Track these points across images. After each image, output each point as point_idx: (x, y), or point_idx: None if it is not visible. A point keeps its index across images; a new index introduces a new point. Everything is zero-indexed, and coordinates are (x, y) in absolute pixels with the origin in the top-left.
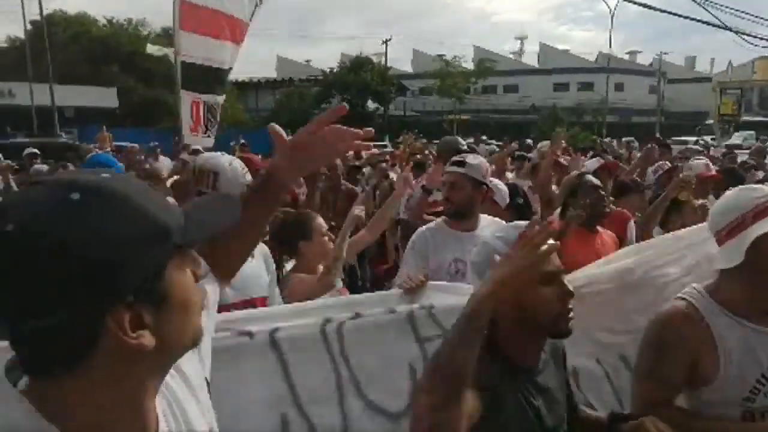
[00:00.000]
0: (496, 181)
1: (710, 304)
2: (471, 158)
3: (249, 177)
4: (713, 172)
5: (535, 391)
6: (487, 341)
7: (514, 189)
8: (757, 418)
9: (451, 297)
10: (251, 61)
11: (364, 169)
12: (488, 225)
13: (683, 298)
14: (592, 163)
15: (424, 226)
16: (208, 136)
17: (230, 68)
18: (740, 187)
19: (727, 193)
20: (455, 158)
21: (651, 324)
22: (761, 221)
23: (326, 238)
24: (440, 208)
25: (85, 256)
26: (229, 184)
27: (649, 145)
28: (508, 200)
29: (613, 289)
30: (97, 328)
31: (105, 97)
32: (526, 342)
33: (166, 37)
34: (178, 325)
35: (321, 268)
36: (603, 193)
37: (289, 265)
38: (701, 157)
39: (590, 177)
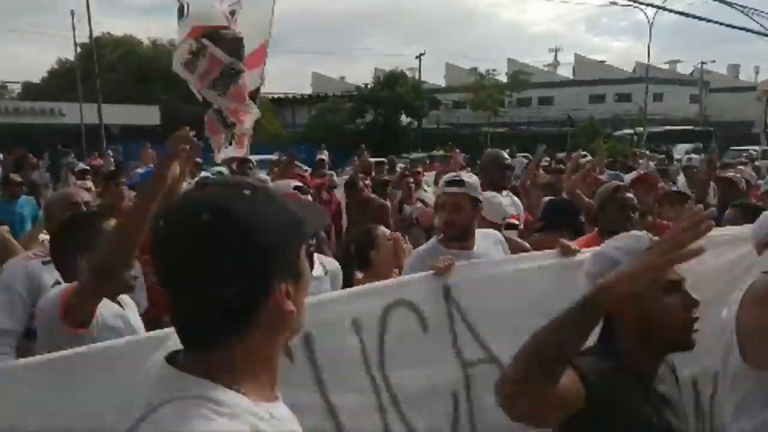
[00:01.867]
0: (489, 194)
1: None
2: (466, 176)
3: None
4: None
5: (660, 401)
6: (616, 359)
7: (572, 208)
8: None
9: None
10: (288, 78)
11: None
12: (483, 239)
13: None
14: (630, 175)
15: (419, 248)
16: (231, 145)
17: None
18: None
19: None
20: (452, 177)
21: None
22: None
23: (391, 241)
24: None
25: (262, 239)
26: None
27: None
28: (503, 215)
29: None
30: (266, 296)
31: (148, 115)
32: (646, 353)
33: None
34: (304, 297)
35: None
36: (631, 209)
37: None
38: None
39: (623, 193)
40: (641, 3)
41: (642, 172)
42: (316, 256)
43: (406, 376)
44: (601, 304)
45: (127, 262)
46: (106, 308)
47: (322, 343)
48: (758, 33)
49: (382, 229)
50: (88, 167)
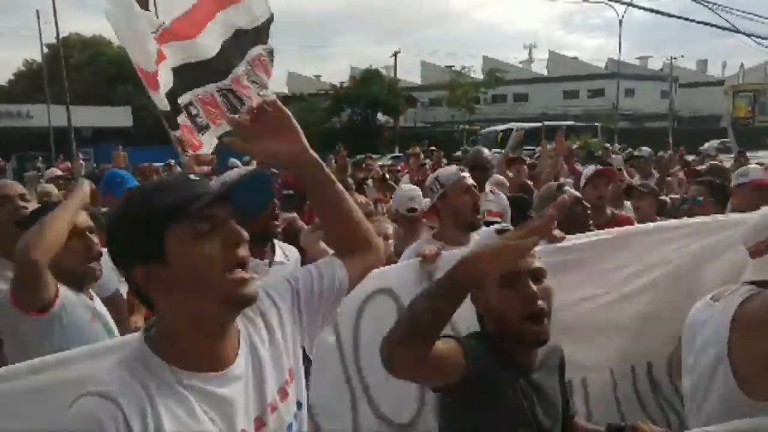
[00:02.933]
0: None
1: None
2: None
3: None
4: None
5: (531, 388)
6: (490, 343)
7: (524, 202)
8: None
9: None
10: None
11: (368, 181)
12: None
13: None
14: (589, 169)
15: (414, 243)
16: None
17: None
18: None
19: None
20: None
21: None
22: None
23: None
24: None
25: (117, 231)
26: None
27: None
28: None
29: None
30: (132, 282)
31: (120, 117)
32: (508, 340)
33: None
34: (190, 280)
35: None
36: (586, 204)
37: None
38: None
39: (569, 189)
40: (611, 0)
41: (600, 166)
42: (278, 243)
43: (377, 361)
44: (456, 277)
45: (45, 251)
46: (72, 298)
47: None
48: (724, 29)
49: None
50: (60, 173)
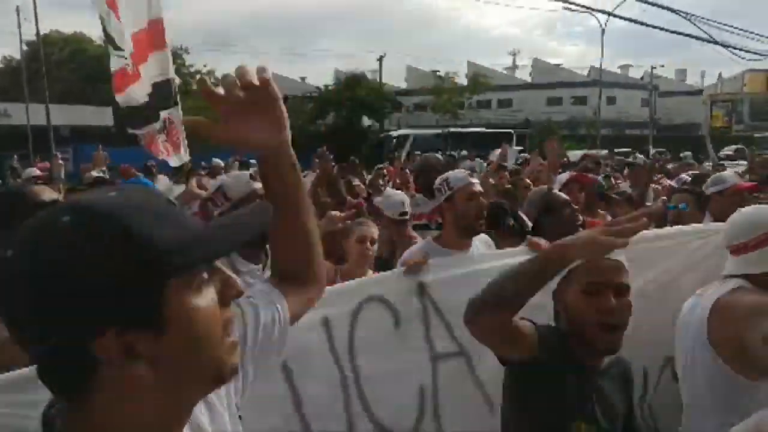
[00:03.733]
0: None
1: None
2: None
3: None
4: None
5: (592, 388)
6: (561, 338)
7: (500, 209)
8: None
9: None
10: None
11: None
12: (479, 242)
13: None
14: (562, 176)
15: (414, 247)
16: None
17: (172, 78)
18: (759, 206)
19: (747, 210)
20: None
21: (750, 303)
22: None
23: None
24: (424, 221)
25: (66, 283)
26: (235, 190)
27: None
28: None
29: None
30: (86, 355)
31: (101, 116)
32: (576, 343)
33: None
34: (187, 355)
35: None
36: (575, 206)
37: None
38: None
39: (558, 192)
40: (593, 9)
41: (574, 172)
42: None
43: (374, 369)
44: (545, 259)
45: None
46: None
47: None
48: (703, 39)
49: (360, 227)
50: (39, 173)
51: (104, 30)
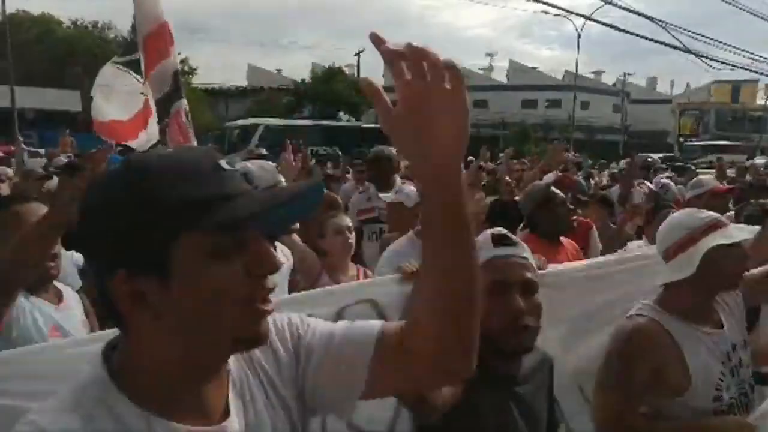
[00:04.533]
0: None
1: (666, 316)
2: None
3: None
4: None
5: (513, 401)
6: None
7: (504, 206)
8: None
9: None
10: (222, 68)
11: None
12: None
13: (638, 315)
14: (548, 177)
15: (396, 242)
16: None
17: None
18: (684, 210)
19: (673, 215)
20: None
21: (615, 339)
22: (708, 236)
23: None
24: (373, 215)
25: (94, 222)
26: (261, 179)
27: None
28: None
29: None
30: (105, 294)
31: (68, 101)
32: (487, 351)
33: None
34: (197, 312)
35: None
36: (570, 206)
37: None
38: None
39: (557, 190)
40: (571, 12)
41: (560, 173)
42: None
43: (376, 407)
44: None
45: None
46: (25, 306)
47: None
48: (675, 47)
49: (333, 220)
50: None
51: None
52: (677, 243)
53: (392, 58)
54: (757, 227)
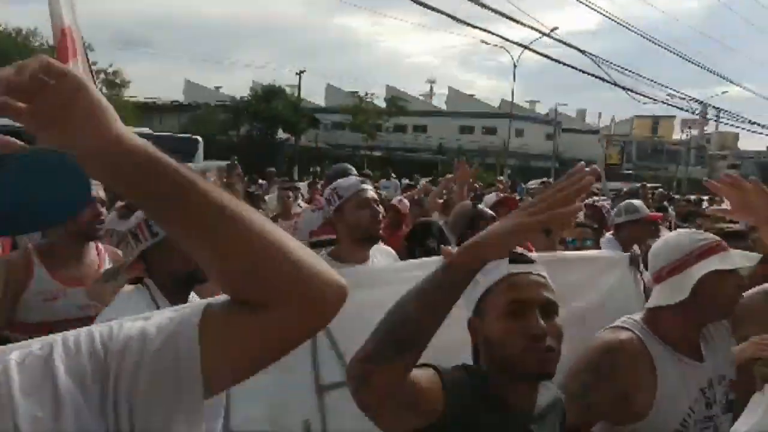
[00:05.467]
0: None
1: (651, 337)
2: None
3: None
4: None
5: None
6: (480, 380)
7: (427, 228)
8: None
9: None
10: (157, 83)
11: (267, 197)
12: (379, 254)
13: (626, 328)
14: (490, 198)
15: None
16: None
17: None
18: (680, 231)
19: (668, 234)
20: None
21: (592, 349)
22: (704, 261)
23: None
24: (325, 237)
25: None
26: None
27: None
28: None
29: None
30: None
31: None
32: (505, 380)
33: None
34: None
35: None
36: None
37: None
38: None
39: (486, 209)
40: (510, 42)
41: (502, 195)
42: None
43: (249, 406)
44: (452, 266)
45: None
46: None
47: None
48: (606, 81)
49: None
50: None
51: None
52: (671, 264)
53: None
54: (758, 255)
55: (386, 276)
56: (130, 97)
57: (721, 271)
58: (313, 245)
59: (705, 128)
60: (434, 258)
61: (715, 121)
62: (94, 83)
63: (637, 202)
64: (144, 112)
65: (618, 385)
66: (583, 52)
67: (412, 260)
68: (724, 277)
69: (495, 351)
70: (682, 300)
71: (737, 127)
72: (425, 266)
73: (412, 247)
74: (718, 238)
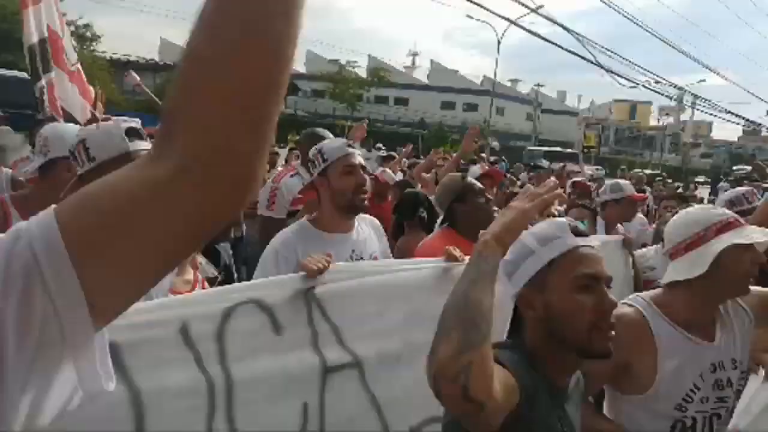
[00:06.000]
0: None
1: (655, 313)
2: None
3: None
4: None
5: (560, 421)
6: (528, 351)
7: (415, 198)
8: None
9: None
10: (133, 40)
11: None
12: (362, 222)
13: (630, 305)
14: (475, 170)
15: (286, 230)
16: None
17: None
18: (699, 206)
19: (687, 209)
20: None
21: None
22: (724, 234)
23: None
24: (300, 206)
25: None
26: (104, 150)
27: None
28: None
29: None
30: None
31: None
32: (557, 358)
33: None
34: None
35: None
36: (490, 197)
37: None
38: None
39: (474, 181)
40: (496, 15)
41: (487, 167)
42: None
43: (249, 387)
44: (486, 253)
45: None
46: None
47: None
48: (589, 61)
49: None
50: None
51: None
52: (690, 238)
53: None
54: None
55: (380, 268)
56: (101, 52)
57: (739, 245)
58: (290, 215)
59: (681, 116)
60: (429, 260)
61: (691, 107)
62: (64, 31)
63: (622, 181)
64: (117, 68)
65: (618, 354)
66: (568, 30)
67: (405, 260)
68: (742, 252)
69: (557, 325)
70: (698, 276)
71: (713, 114)
72: (418, 263)
73: (401, 219)
74: (734, 214)
